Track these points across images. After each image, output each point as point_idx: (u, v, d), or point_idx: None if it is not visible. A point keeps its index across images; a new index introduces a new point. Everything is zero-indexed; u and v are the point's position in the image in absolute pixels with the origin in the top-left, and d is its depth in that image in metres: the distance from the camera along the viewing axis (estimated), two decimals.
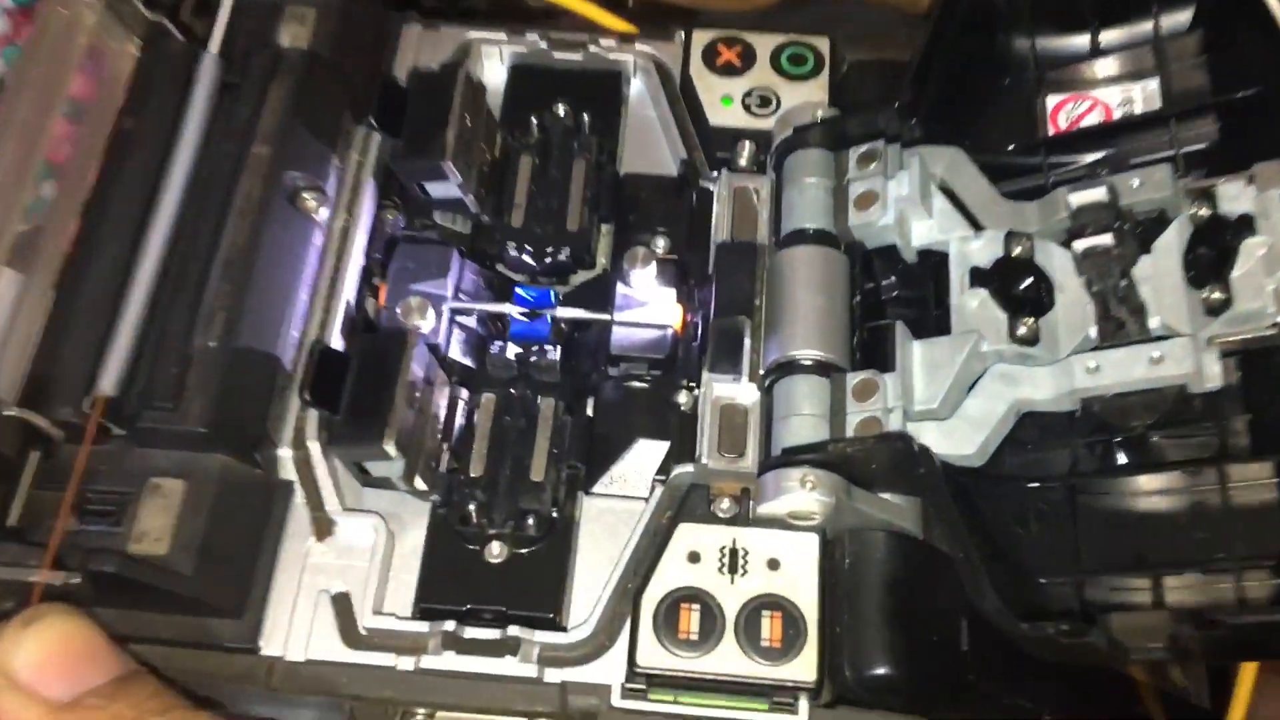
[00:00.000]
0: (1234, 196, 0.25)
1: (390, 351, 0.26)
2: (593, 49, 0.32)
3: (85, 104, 0.28)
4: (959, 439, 0.26)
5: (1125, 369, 0.25)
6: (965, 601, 0.26)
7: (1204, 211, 0.25)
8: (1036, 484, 0.26)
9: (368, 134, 0.30)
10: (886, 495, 0.26)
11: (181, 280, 0.26)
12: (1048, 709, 0.29)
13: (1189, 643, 0.22)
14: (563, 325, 0.29)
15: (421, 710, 0.26)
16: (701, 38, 0.32)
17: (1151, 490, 0.25)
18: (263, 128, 0.28)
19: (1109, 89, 0.30)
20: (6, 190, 0.26)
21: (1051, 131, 0.30)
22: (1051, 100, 0.30)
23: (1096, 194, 0.25)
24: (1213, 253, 0.25)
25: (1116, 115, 0.29)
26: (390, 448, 0.25)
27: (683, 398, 0.28)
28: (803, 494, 0.25)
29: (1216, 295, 0.24)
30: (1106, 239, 0.25)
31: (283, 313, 0.27)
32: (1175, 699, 0.33)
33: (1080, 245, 0.25)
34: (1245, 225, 0.25)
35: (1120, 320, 0.25)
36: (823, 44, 0.32)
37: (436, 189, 0.29)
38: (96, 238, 0.27)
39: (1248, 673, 0.30)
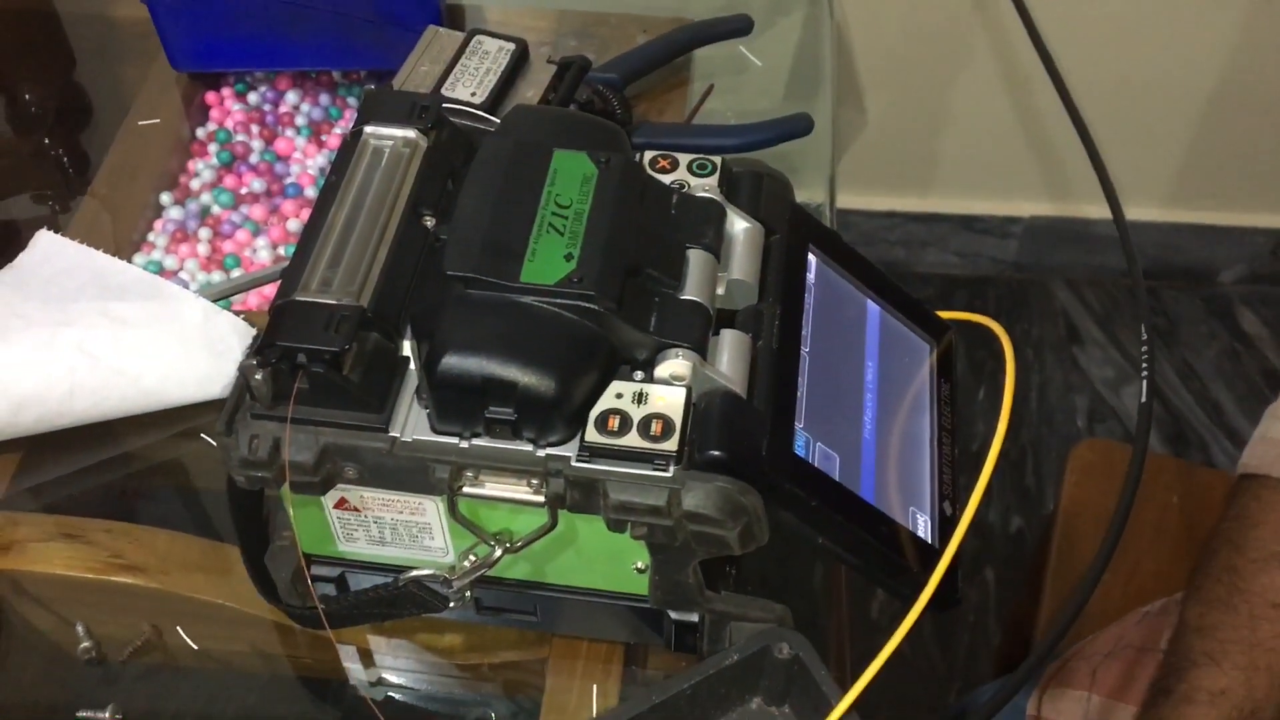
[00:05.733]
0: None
1: None
2: None
3: None
4: None
5: None
6: (764, 430, 0.48)
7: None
8: None
9: None
10: (725, 370, 0.49)
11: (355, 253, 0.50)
12: (823, 534, 0.50)
13: None
14: None
15: (470, 471, 0.48)
16: (650, 154, 0.57)
17: None
18: (406, 180, 0.52)
19: None
20: None
21: None
22: None
23: None
24: None
25: None
26: None
27: None
28: (676, 361, 0.48)
29: None
30: None
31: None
32: (917, 540, 0.53)
33: None
34: None
35: None
36: (717, 159, 0.57)
37: None
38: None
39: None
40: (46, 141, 0.87)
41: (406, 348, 0.49)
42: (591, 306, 0.47)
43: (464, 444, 0.48)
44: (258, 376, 0.46)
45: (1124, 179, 1.56)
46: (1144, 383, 0.67)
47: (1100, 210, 0.67)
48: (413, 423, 0.48)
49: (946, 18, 1.40)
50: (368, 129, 0.54)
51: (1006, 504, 1.52)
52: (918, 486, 0.54)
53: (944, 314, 0.62)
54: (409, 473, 0.48)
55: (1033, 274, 1.72)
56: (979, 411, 1.57)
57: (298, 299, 0.47)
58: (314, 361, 0.46)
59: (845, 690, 0.49)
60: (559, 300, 0.48)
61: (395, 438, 0.48)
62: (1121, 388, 1.64)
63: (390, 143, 0.53)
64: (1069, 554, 1.04)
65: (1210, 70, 1.46)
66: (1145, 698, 0.71)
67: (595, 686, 0.57)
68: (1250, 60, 1.44)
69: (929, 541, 0.53)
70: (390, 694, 0.60)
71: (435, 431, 0.48)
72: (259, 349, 0.47)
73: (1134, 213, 1.61)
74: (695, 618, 0.53)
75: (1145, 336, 0.70)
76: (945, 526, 0.54)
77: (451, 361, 0.46)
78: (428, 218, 0.52)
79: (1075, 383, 1.65)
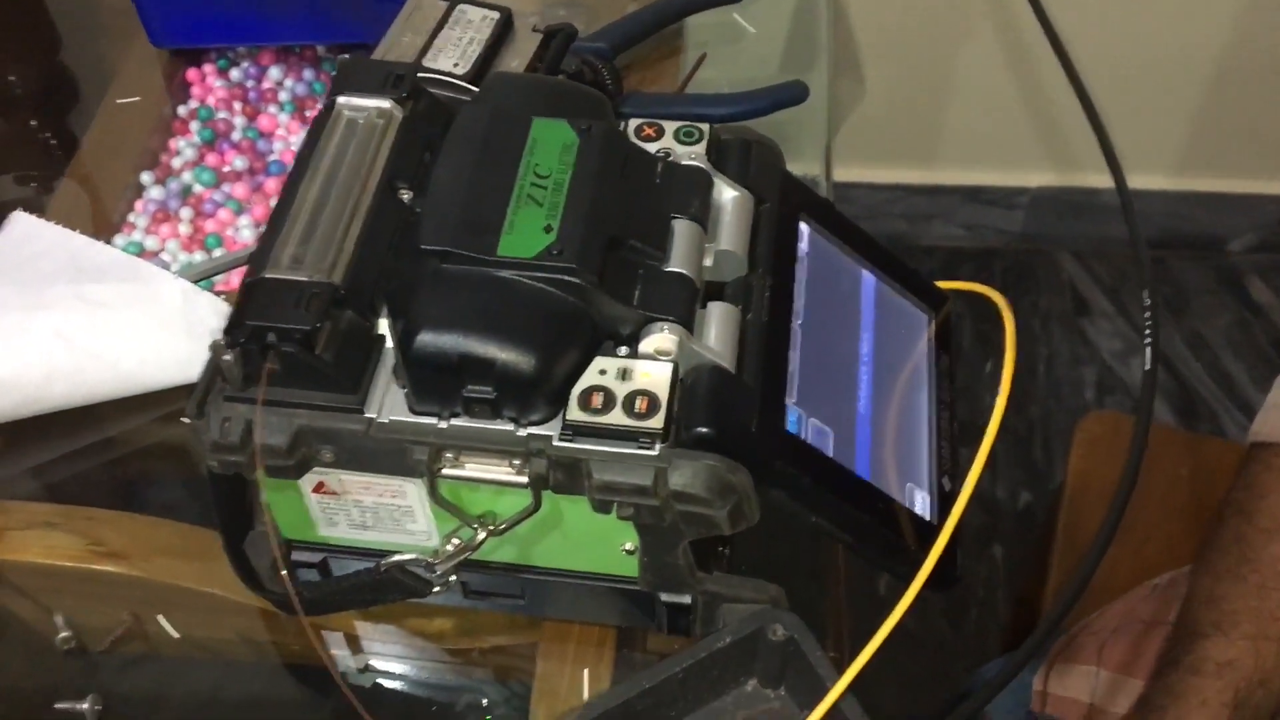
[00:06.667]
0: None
1: None
2: None
3: None
4: None
5: None
6: (754, 406, 0.47)
7: None
8: None
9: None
10: (712, 344, 0.47)
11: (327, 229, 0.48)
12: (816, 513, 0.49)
13: None
14: None
15: (449, 452, 0.46)
16: (635, 121, 0.55)
17: None
18: (381, 152, 0.51)
19: None
20: None
21: None
22: None
23: None
24: None
25: None
26: None
27: None
28: (661, 335, 0.46)
29: None
30: None
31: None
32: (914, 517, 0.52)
33: None
34: None
35: None
36: (704, 126, 0.55)
37: None
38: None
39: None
40: (34, 123, 0.86)
41: (382, 325, 0.48)
42: (572, 280, 0.46)
43: (443, 424, 0.46)
44: (227, 357, 0.45)
45: (1132, 148, 1.54)
46: (1147, 350, 0.65)
47: (1107, 180, 0.64)
48: (390, 403, 0.47)
49: None
50: (341, 100, 0.52)
51: (1014, 479, 1.50)
52: (915, 462, 0.52)
53: (942, 284, 0.60)
54: (387, 455, 0.47)
55: (1039, 245, 1.70)
56: (986, 383, 1.55)
57: (268, 276, 0.46)
58: (285, 341, 0.44)
59: (841, 672, 0.47)
60: (538, 274, 0.46)
61: (371, 419, 0.46)
62: (1130, 359, 1.62)
63: (364, 114, 0.52)
64: (1076, 528, 1.02)
65: (1218, 37, 1.43)
66: (1153, 670, 0.70)
67: (587, 671, 0.55)
68: (1258, 27, 1.42)
69: (927, 519, 0.51)
70: (379, 680, 0.58)
71: (413, 412, 0.46)
72: (228, 329, 0.45)
73: (1142, 181, 1.58)
74: (688, 599, 0.52)
75: (1148, 303, 0.68)
76: (944, 503, 0.52)
77: (427, 339, 0.45)
78: (404, 191, 0.50)
79: (1083, 355, 1.63)
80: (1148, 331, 0.66)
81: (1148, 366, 0.66)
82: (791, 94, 0.72)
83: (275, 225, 0.48)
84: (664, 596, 0.52)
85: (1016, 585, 1.40)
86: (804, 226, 0.54)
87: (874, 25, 1.38)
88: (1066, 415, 1.56)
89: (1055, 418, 1.56)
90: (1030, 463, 1.52)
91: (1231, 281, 1.69)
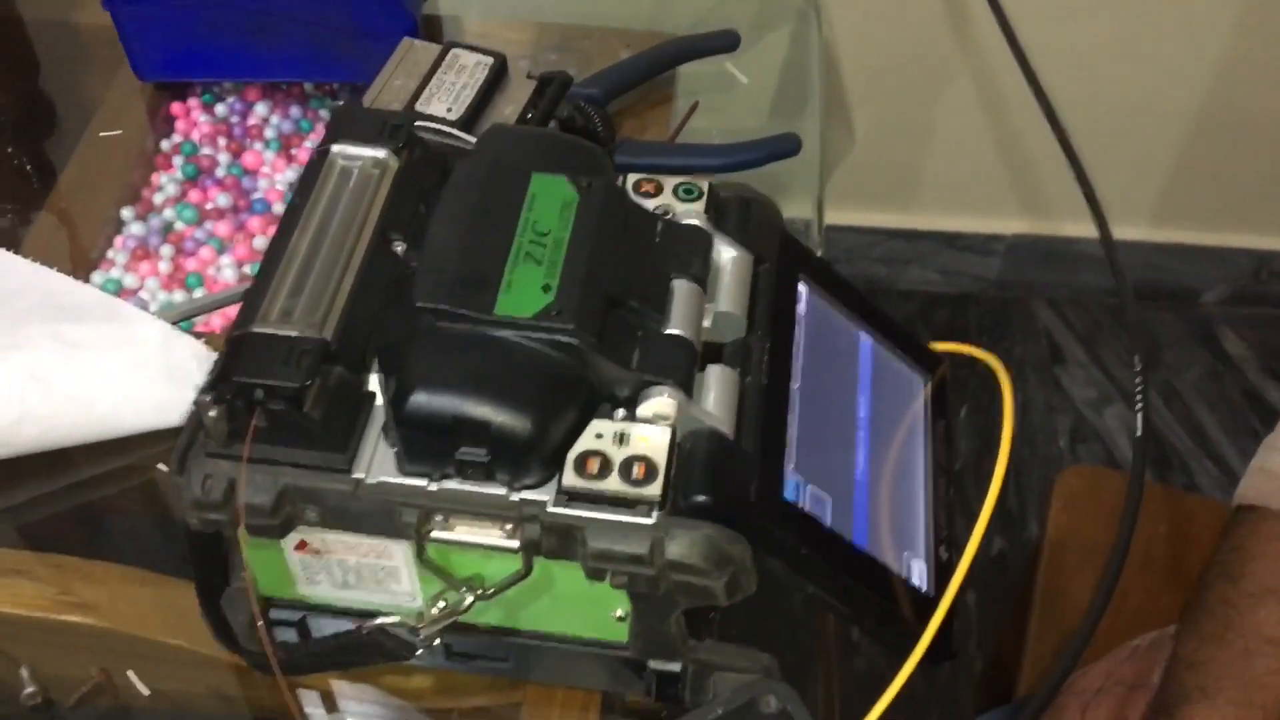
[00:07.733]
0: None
1: None
2: None
3: None
4: None
5: None
6: (753, 473, 0.46)
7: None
8: None
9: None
10: (711, 408, 0.46)
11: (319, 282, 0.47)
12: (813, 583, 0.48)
13: None
14: None
15: (439, 515, 0.45)
16: (633, 177, 0.54)
17: None
18: (375, 203, 0.49)
19: None
20: None
21: None
22: None
23: None
24: None
25: None
26: None
27: None
28: (660, 400, 0.45)
29: None
30: None
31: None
32: (911, 588, 0.51)
33: None
34: None
35: None
36: (704, 183, 0.54)
37: None
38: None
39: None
40: (9, 150, 0.84)
41: (373, 382, 0.47)
42: (570, 341, 0.45)
43: (433, 486, 0.45)
44: (212, 413, 0.43)
45: (1107, 199, 1.54)
46: (1139, 416, 0.64)
47: (1083, 229, 0.64)
48: (379, 463, 0.45)
49: (933, 35, 1.38)
50: (335, 148, 0.51)
51: (988, 526, 1.50)
52: (912, 530, 0.52)
53: (939, 345, 0.59)
54: (374, 516, 0.45)
55: (1015, 292, 1.70)
56: (961, 430, 1.55)
57: (256, 330, 0.45)
58: (272, 398, 0.43)
59: None
60: (536, 334, 0.45)
61: (360, 479, 0.45)
62: (1104, 408, 1.63)
63: (359, 163, 0.51)
64: (1056, 585, 1.02)
65: (1194, 91, 1.44)
66: None
67: None
68: (1234, 81, 1.43)
69: (924, 590, 0.50)
70: None
71: (402, 472, 0.45)
72: (213, 384, 0.44)
73: (1117, 233, 1.58)
74: (678, 667, 0.50)
75: (1139, 366, 0.67)
76: (941, 573, 0.51)
77: (420, 399, 0.43)
78: (398, 243, 0.49)
79: (1057, 403, 1.63)
80: (1139, 398, 0.65)
81: (1139, 433, 0.66)
82: (785, 147, 0.71)
83: (265, 276, 0.47)
84: (653, 664, 0.50)
85: (990, 634, 1.39)
86: (802, 287, 0.54)
87: (859, 71, 1.39)
88: (1041, 463, 1.56)
89: (1030, 466, 1.56)
90: (1004, 510, 1.52)
91: (1204, 333, 1.70)
